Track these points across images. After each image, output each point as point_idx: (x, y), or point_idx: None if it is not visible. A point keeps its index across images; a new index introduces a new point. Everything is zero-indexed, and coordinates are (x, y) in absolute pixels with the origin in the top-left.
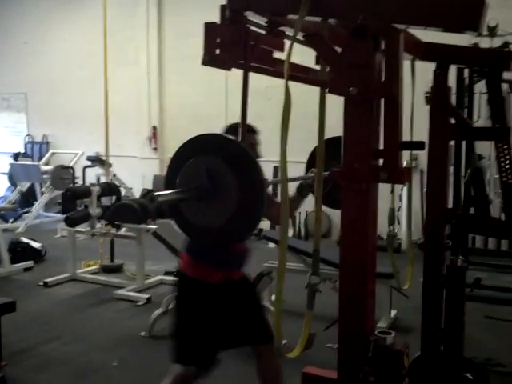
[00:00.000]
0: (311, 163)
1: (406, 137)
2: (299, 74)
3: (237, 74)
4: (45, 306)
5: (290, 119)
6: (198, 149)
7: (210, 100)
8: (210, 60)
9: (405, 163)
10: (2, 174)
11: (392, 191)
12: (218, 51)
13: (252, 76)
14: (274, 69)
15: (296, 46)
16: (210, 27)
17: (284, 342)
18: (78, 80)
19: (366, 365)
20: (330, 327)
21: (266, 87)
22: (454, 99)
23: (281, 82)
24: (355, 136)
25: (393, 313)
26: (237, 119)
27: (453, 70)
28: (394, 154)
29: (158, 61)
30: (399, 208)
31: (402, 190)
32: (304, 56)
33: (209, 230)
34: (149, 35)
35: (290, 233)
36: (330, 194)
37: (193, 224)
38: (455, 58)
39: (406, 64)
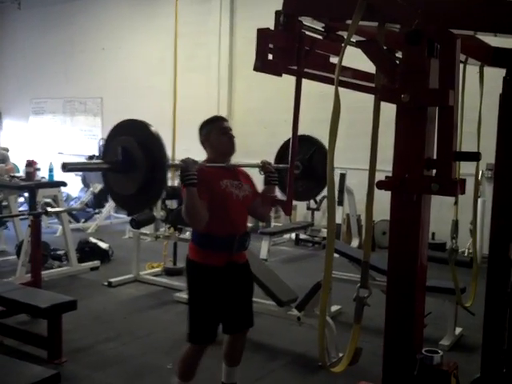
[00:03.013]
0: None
1: (473, 145)
2: (360, 80)
3: (306, 79)
4: (107, 306)
5: (358, 126)
6: (122, 130)
7: (277, 106)
8: (261, 66)
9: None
10: (77, 175)
11: (455, 203)
12: (270, 57)
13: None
14: (326, 75)
15: (359, 51)
16: (263, 33)
17: (341, 355)
18: (150, 85)
19: None
20: None
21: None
22: None
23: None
24: (406, 145)
25: (458, 330)
26: (306, 125)
27: None
28: (447, 165)
29: (228, 66)
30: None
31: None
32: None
33: (125, 197)
34: (220, 41)
35: (356, 243)
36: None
37: (115, 192)
38: None
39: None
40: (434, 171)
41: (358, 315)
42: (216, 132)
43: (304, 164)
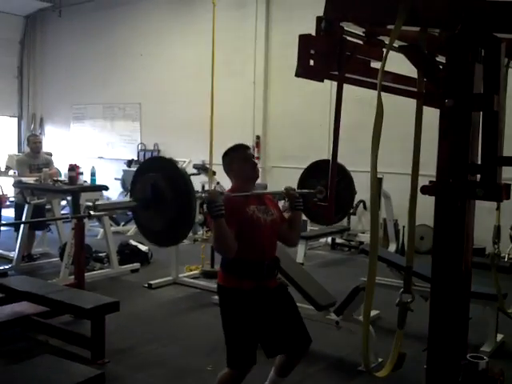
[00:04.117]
0: (302, 181)
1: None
2: (400, 84)
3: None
4: (147, 307)
5: (397, 130)
6: (149, 166)
7: (313, 109)
8: (303, 72)
9: None
10: (116, 179)
11: (497, 208)
12: (311, 63)
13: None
14: (367, 80)
15: (401, 55)
16: (304, 39)
17: (380, 360)
18: (187, 91)
19: None
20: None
21: (372, 96)
22: None
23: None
24: (450, 150)
25: (499, 337)
26: (342, 129)
27: None
28: (492, 170)
29: (264, 71)
30: None
31: None
32: (409, 66)
33: (155, 232)
34: (256, 46)
35: (393, 248)
36: (315, 210)
37: (144, 227)
38: None
39: None
40: (479, 176)
41: (401, 320)
42: (238, 160)
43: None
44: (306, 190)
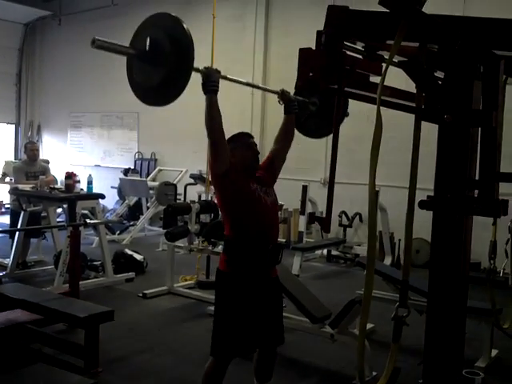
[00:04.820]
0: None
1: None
2: (399, 99)
3: None
4: (142, 317)
5: (393, 143)
6: (155, 21)
7: None
8: (303, 85)
9: None
10: (113, 188)
11: (494, 223)
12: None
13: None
14: (366, 94)
15: (400, 70)
16: (304, 52)
17: (374, 373)
18: (185, 100)
19: None
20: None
21: (368, 109)
22: None
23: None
24: (449, 165)
25: (493, 352)
26: (338, 142)
27: None
28: (489, 186)
29: (262, 82)
30: (508, 241)
31: None
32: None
33: (145, 88)
34: (255, 57)
35: (388, 260)
36: (306, 123)
37: (136, 81)
38: None
39: None
40: (476, 191)
41: (396, 334)
42: (241, 147)
43: (322, 102)
44: (300, 98)
